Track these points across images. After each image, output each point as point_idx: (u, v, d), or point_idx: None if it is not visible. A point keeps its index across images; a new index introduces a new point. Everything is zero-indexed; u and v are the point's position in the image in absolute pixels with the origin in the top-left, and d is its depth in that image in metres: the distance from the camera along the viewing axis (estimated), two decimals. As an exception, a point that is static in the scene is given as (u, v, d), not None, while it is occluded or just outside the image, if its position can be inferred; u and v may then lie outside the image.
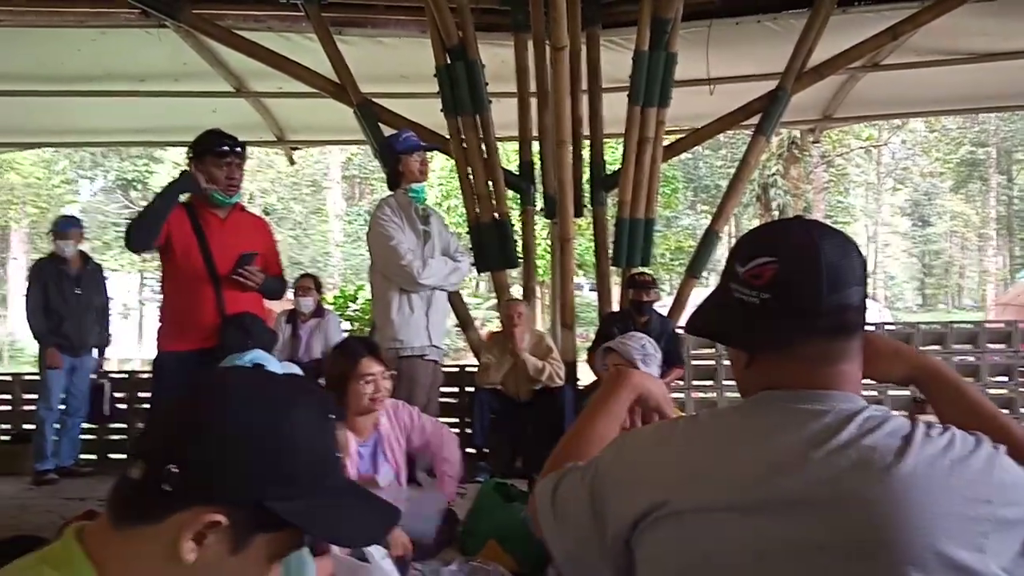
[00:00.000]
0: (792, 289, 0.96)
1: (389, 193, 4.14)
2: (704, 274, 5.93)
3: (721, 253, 7.05)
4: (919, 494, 0.87)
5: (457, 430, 5.08)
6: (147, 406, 5.27)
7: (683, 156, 15.86)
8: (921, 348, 5.69)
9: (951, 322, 6.16)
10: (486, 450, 5.01)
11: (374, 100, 5.19)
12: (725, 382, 5.75)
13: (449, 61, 4.74)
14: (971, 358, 5.75)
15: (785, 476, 0.91)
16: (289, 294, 4.93)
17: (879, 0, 4.84)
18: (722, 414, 1.10)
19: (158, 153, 20.55)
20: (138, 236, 3.27)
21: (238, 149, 3.40)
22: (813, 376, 0.97)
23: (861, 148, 21.11)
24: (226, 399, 0.85)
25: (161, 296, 3.54)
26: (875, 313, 17.41)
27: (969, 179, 25.17)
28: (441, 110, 4.87)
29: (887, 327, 6.40)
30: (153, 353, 3.44)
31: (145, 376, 5.68)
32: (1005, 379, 5.68)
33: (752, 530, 0.90)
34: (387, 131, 4.82)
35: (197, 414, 0.84)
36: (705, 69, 5.52)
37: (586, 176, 5.27)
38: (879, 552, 0.86)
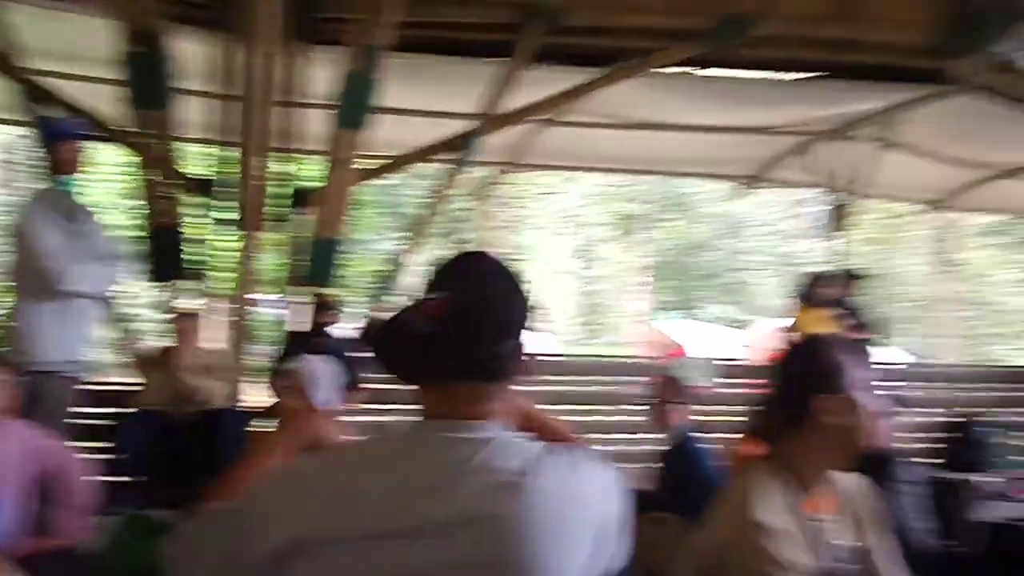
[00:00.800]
0: (458, 328, 1.00)
1: (43, 185, 3.61)
2: (391, 300, 6.01)
3: (410, 281, 7.21)
4: (544, 510, 0.95)
5: (105, 456, 4.55)
6: None
7: (384, 182, 16.03)
8: (577, 377, 6.35)
9: (601, 355, 6.92)
10: (135, 478, 4.53)
11: (40, 78, 4.53)
12: (398, 406, 5.85)
13: (135, 48, 4.29)
14: (615, 388, 6.49)
15: (426, 501, 0.95)
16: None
17: (565, 62, 5.33)
18: (366, 444, 1.12)
19: None
20: None
21: None
22: (464, 410, 1.02)
23: (541, 193, 23.09)
24: None
25: None
26: (545, 345, 18.99)
27: (628, 230, 28.75)
28: (121, 100, 4.40)
29: (552, 358, 7.00)
30: None
31: None
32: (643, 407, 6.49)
33: (395, 556, 0.93)
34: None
35: None
36: (410, 100, 5.67)
37: (279, 190, 5.09)
38: (511, 568, 0.93)
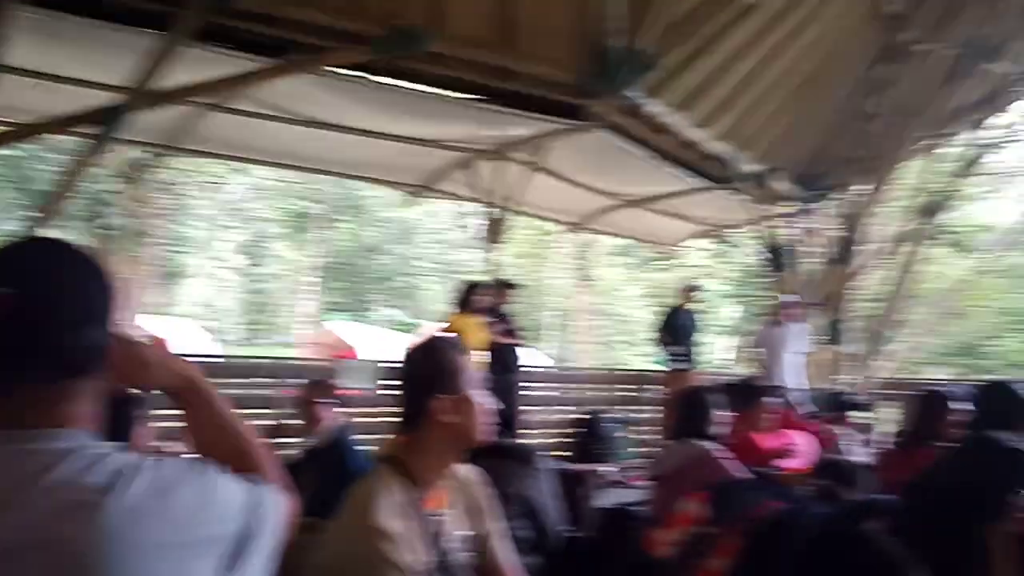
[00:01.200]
0: (20, 323, 0.88)
1: None
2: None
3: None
4: (129, 531, 0.86)
5: None
6: None
7: (11, 152, 13.76)
8: (239, 380, 6.03)
9: (265, 356, 6.68)
10: None
11: None
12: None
13: None
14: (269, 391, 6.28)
15: None
16: None
17: (234, 47, 5.04)
18: None
19: None
20: None
21: None
22: (35, 417, 0.90)
23: (206, 182, 21.63)
24: None
25: None
26: (204, 344, 17.78)
27: (299, 229, 28.09)
28: None
29: (210, 359, 6.59)
30: None
31: None
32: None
33: None
34: None
35: None
36: (46, 63, 4.96)
37: None
38: None
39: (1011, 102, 8.98)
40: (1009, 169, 19.49)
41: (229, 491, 0.99)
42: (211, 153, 7.89)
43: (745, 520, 1.65)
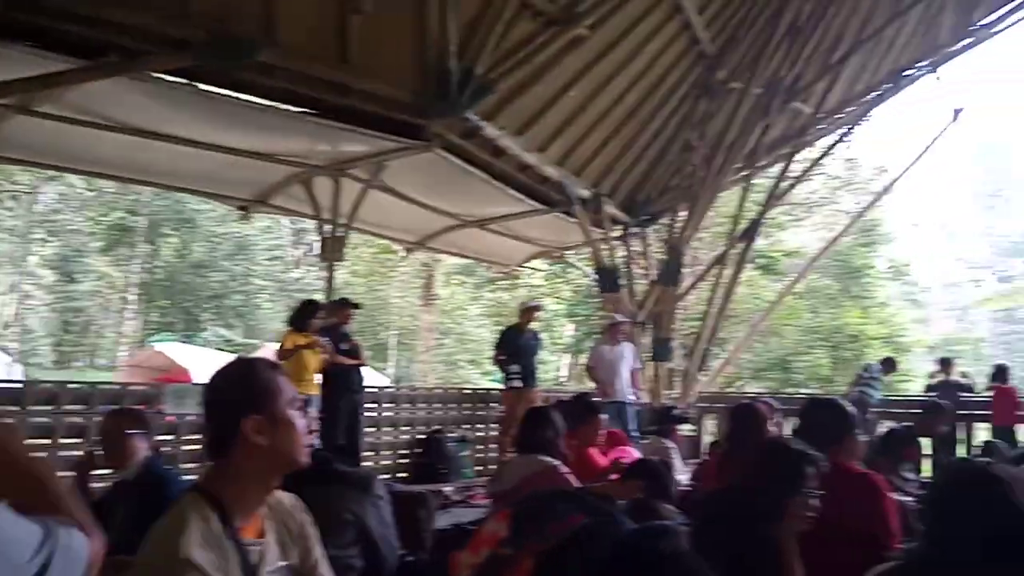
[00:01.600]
0: None
1: None
2: None
3: None
4: None
5: None
6: None
7: None
8: (43, 408, 5.48)
9: (78, 381, 6.12)
10: None
11: None
12: None
13: None
14: (79, 419, 5.76)
15: None
16: None
17: (41, 46, 4.63)
18: None
19: None
20: None
21: None
22: None
23: (12, 191, 19.76)
24: None
25: None
26: (5, 368, 16.22)
27: (119, 243, 26.15)
28: None
29: (6, 384, 5.96)
30: None
31: None
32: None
33: None
34: None
35: None
36: None
37: None
38: None
39: (816, 138, 9.95)
40: (814, 200, 21.56)
41: (19, 534, 0.90)
42: (17, 160, 7.20)
43: (544, 538, 1.67)
